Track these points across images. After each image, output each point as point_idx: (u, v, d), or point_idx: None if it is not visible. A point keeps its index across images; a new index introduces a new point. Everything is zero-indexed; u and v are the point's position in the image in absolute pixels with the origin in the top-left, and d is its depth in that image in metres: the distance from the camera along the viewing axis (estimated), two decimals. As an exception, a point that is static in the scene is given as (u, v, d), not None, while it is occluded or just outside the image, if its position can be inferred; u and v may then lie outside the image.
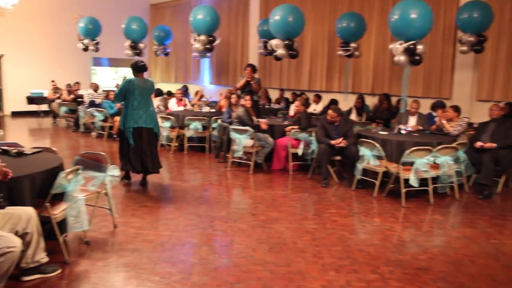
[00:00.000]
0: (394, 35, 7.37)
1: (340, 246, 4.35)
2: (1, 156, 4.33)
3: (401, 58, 7.09)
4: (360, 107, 9.91)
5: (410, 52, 6.99)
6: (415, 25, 6.87)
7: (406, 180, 5.74)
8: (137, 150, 6.12)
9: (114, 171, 4.47)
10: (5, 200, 3.27)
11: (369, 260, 4.02)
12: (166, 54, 14.32)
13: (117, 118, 9.48)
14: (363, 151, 6.21)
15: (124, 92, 6.07)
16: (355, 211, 5.53)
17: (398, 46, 7.09)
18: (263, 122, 7.62)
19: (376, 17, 10.67)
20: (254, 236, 4.58)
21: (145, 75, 6.39)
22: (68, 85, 13.50)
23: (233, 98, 8.37)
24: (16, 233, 3.25)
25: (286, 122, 8.01)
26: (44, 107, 14.60)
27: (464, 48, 8.72)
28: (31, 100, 14.83)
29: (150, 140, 6.22)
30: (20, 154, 4.37)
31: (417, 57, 7.08)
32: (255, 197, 6.04)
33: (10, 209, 3.36)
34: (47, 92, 14.17)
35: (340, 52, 10.22)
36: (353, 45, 10.03)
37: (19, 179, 3.61)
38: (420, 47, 7.01)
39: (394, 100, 10.02)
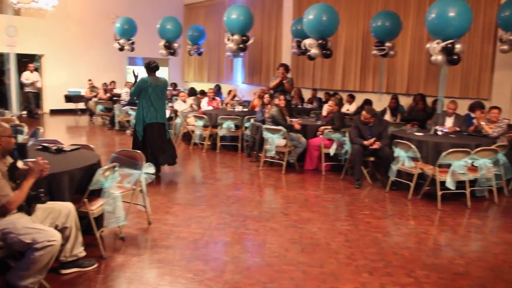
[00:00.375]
0: (431, 34, 7.21)
1: (373, 248, 4.28)
2: (42, 152, 4.48)
3: (439, 57, 6.93)
4: (395, 107, 9.74)
5: (447, 51, 6.82)
6: (453, 24, 6.70)
7: (443, 183, 5.61)
8: (148, 144, 6.51)
9: (149, 169, 4.54)
10: (46, 195, 3.37)
11: (404, 263, 3.94)
12: (200, 54, 14.46)
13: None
14: (398, 152, 6.10)
15: (139, 90, 6.54)
16: (389, 213, 5.44)
17: (435, 46, 6.93)
18: (296, 122, 7.59)
19: (412, 15, 10.45)
20: (286, 236, 4.57)
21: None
22: (104, 84, 13.82)
23: (266, 98, 8.38)
24: (56, 227, 3.35)
25: (319, 122, 7.95)
26: (81, 105, 14.97)
27: (505, 47, 8.43)
28: (69, 98, 15.24)
29: (161, 134, 6.66)
30: (60, 151, 4.50)
31: (455, 57, 6.91)
32: (287, 197, 6.03)
33: (50, 204, 3.46)
34: (84, 91, 14.54)
35: (375, 52, 10.08)
36: (388, 44, 9.87)
37: (59, 175, 3.72)
38: (458, 46, 6.84)
39: (429, 100, 9.80)
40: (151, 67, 6.68)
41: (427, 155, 6.10)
